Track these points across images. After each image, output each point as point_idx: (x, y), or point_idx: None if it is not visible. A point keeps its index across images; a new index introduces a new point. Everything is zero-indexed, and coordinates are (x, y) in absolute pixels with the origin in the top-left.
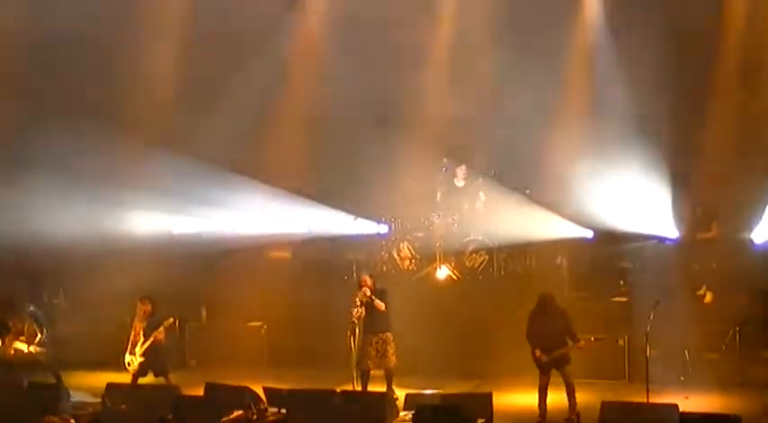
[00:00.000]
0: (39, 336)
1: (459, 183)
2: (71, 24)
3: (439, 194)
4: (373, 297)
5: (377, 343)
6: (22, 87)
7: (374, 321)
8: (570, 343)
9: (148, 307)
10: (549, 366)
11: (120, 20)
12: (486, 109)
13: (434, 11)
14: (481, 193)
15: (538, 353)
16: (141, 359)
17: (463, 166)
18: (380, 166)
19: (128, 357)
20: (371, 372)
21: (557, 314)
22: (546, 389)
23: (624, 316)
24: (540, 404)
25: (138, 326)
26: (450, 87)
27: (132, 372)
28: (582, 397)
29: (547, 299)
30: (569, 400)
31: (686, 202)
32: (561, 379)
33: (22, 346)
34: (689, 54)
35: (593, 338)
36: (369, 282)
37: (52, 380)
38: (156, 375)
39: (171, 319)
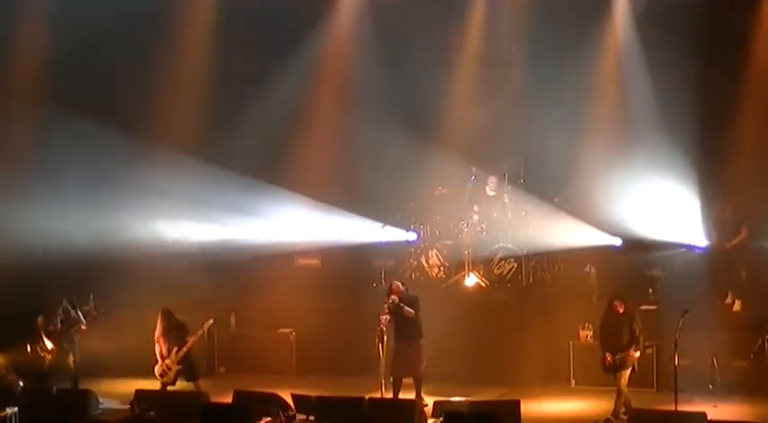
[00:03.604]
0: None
1: (489, 191)
2: (101, 31)
3: (468, 202)
4: (402, 304)
5: (407, 351)
6: (50, 95)
7: (404, 329)
8: (632, 348)
9: (171, 318)
10: (614, 369)
11: (148, 26)
12: (515, 117)
13: (465, 19)
14: (509, 201)
15: (608, 356)
16: (178, 367)
17: (492, 175)
18: (410, 174)
19: (159, 367)
20: (403, 379)
21: (627, 318)
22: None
23: (653, 324)
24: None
25: (163, 338)
26: (479, 96)
27: (167, 381)
28: (609, 405)
29: (619, 302)
30: (616, 401)
31: (715, 209)
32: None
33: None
34: (718, 61)
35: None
36: (399, 288)
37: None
38: (188, 380)
39: (211, 321)
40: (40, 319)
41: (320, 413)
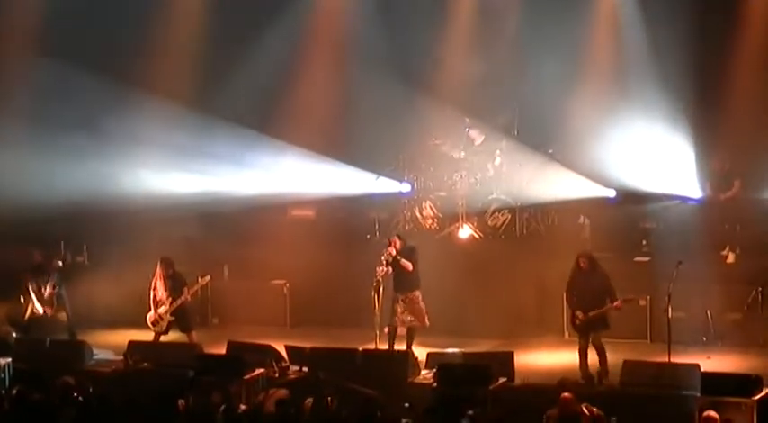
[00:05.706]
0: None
1: (482, 142)
2: None
3: (462, 154)
4: (398, 257)
5: (404, 301)
6: (40, 41)
7: (402, 280)
8: (608, 304)
9: (170, 267)
10: (586, 328)
11: None
12: (509, 68)
13: None
14: (500, 153)
15: (578, 314)
16: (171, 318)
17: (486, 126)
18: (403, 125)
19: (152, 316)
20: (398, 330)
21: (595, 274)
22: (585, 351)
23: (646, 276)
24: (581, 366)
25: (161, 286)
26: (474, 47)
27: (159, 331)
28: None
29: (584, 258)
30: (601, 361)
31: (710, 161)
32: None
33: (38, 306)
34: (714, 12)
35: (622, 299)
36: (398, 243)
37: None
38: (181, 331)
39: (208, 277)
40: (29, 270)
41: (313, 364)
